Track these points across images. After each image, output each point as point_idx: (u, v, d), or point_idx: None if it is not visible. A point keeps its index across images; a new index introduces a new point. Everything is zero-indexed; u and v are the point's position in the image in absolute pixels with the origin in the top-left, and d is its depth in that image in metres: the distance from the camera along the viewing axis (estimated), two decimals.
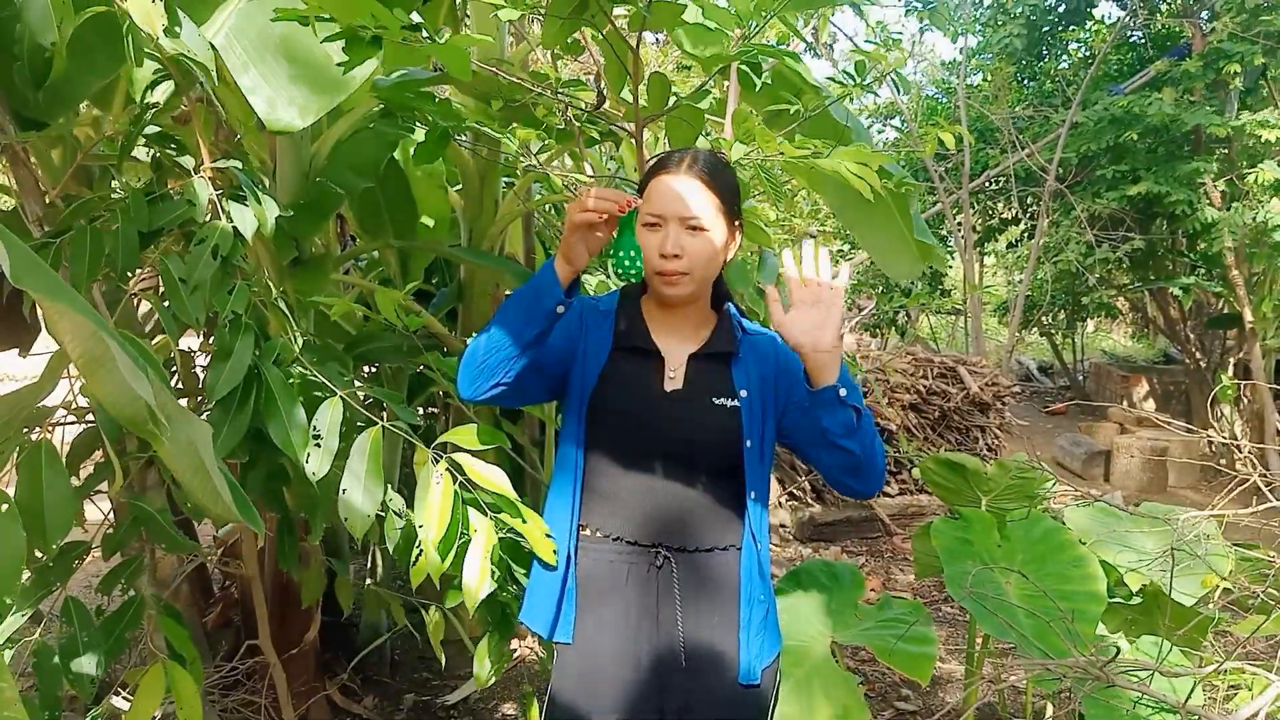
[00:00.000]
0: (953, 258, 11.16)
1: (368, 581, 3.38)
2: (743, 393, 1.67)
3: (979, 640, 2.59)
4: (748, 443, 1.65)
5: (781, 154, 1.89)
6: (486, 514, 1.82)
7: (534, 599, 1.72)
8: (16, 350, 2.84)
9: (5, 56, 1.68)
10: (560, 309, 1.60)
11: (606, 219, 1.56)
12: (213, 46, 1.69)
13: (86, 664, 1.64)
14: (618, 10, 1.98)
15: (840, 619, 2.29)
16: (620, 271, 1.60)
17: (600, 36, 2.10)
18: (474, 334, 3.22)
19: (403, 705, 3.30)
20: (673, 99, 2.18)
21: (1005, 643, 2.20)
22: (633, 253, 1.59)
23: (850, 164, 1.86)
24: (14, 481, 1.51)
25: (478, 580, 1.75)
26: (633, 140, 2.18)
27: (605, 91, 2.28)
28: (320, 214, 2.35)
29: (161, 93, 1.85)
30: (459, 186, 3.38)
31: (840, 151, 1.87)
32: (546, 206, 3.78)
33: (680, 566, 1.66)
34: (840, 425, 1.59)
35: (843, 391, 1.57)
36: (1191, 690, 1.83)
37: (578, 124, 2.43)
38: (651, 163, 1.70)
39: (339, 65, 1.67)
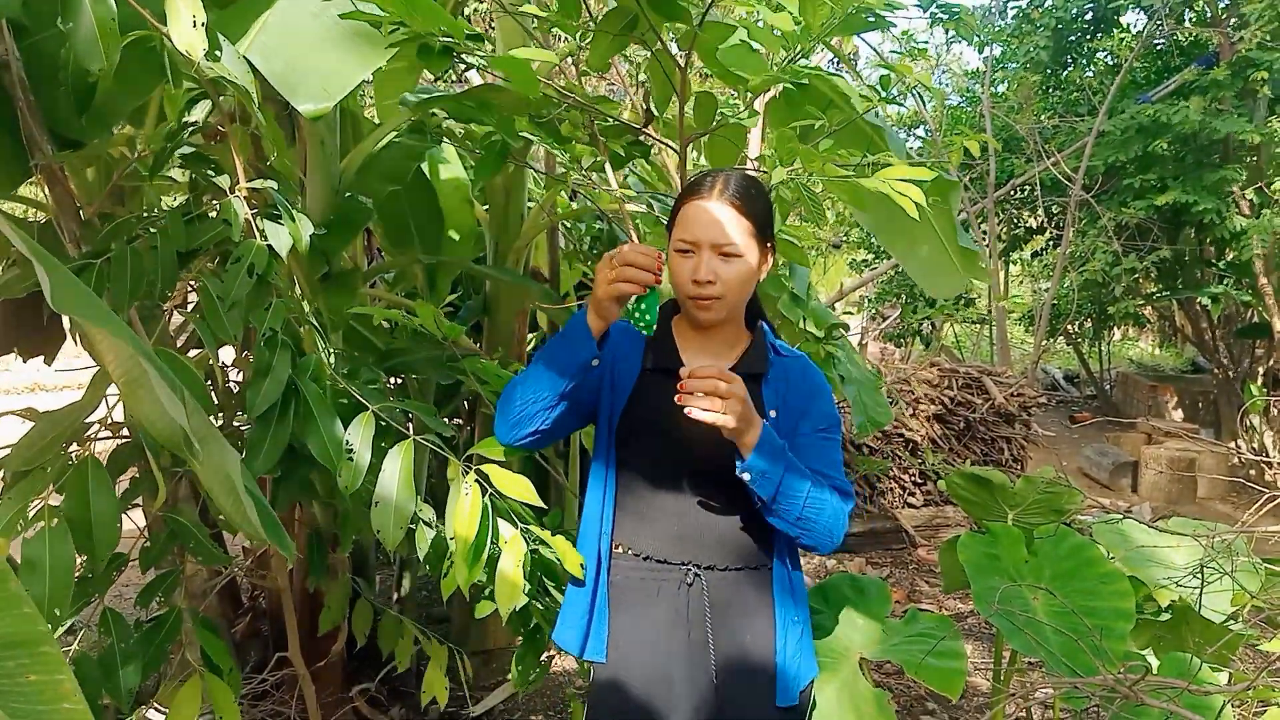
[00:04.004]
0: None
1: (394, 597, 3.40)
2: (772, 413, 1.68)
3: (1006, 655, 2.58)
4: None
5: (823, 173, 1.89)
6: (516, 525, 1.84)
7: (566, 618, 1.74)
8: (42, 358, 2.89)
9: (47, 78, 1.71)
10: (595, 363, 1.62)
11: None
12: (250, 65, 1.72)
13: (126, 674, 1.66)
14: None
15: (868, 634, 2.28)
16: (634, 323, 1.61)
17: (647, 55, 2.11)
18: (498, 346, 3.27)
19: (429, 716, 3.32)
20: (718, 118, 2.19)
21: (1032, 658, 2.19)
22: (644, 305, 1.59)
23: (894, 181, 1.86)
24: (52, 498, 1.54)
25: (512, 584, 1.77)
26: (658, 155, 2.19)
27: (653, 109, 2.30)
28: (350, 228, 2.39)
29: (199, 111, 1.89)
30: (485, 201, 3.42)
31: (884, 171, 1.87)
32: (568, 222, 3.81)
33: (710, 585, 1.66)
34: (757, 500, 1.60)
35: (746, 476, 1.56)
36: (1222, 708, 1.82)
37: (603, 139, 2.44)
38: (683, 187, 1.72)
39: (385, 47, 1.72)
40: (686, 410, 1.49)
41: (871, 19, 1.89)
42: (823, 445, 1.72)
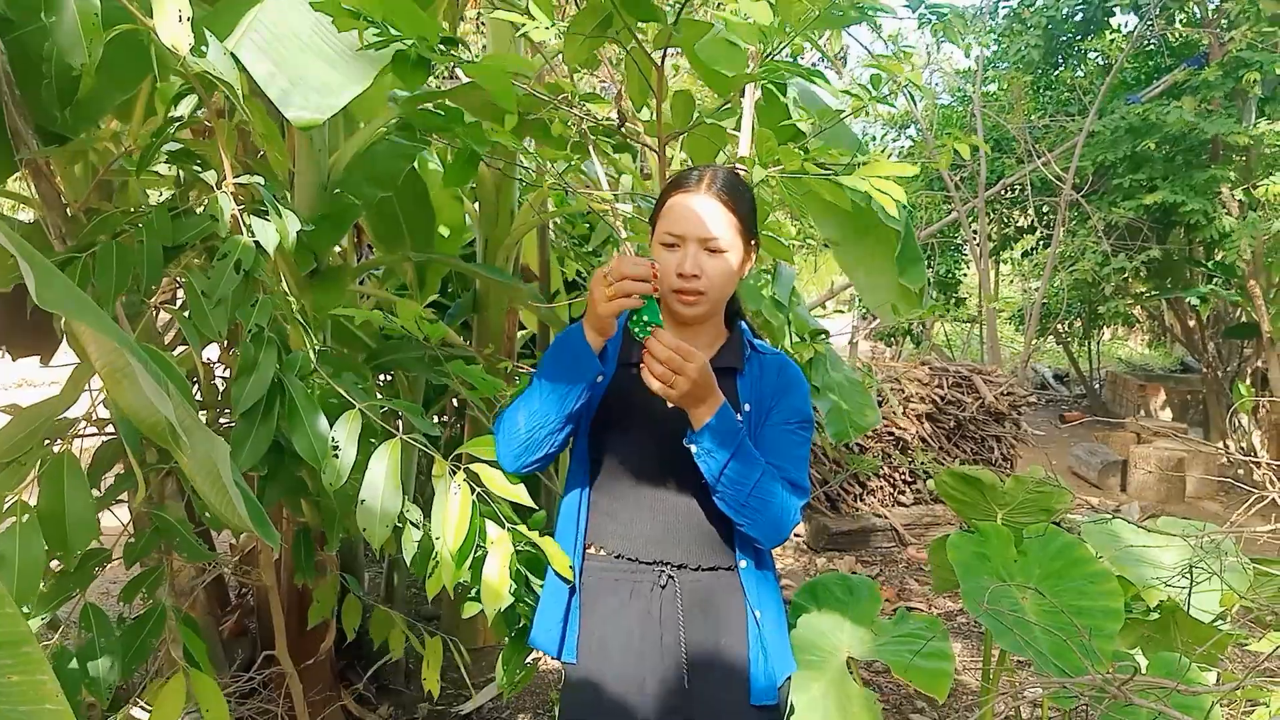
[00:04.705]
0: (968, 266, 11.13)
1: (383, 594, 3.39)
2: (746, 406, 1.68)
3: (995, 654, 2.58)
4: None
5: (803, 172, 1.88)
6: (504, 525, 1.83)
7: (543, 620, 1.73)
8: (37, 358, 2.87)
9: (32, 73, 1.70)
10: (600, 378, 1.60)
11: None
12: (236, 61, 1.71)
13: (105, 670, 1.65)
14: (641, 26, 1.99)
15: (857, 634, 2.28)
16: (638, 335, 1.58)
17: (624, 54, 2.11)
18: (488, 343, 3.25)
19: (418, 714, 3.31)
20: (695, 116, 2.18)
21: (1021, 657, 2.19)
22: (645, 317, 1.54)
23: (875, 180, 1.85)
24: (34, 493, 1.53)
25: (496, 590, 1.76)
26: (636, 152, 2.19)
27: (626, 108, 2.29)
28: (338, 226, 2.37)
29: (185, 106, 1.87)
30: (475, 198, 3.40)
31: (866, 168, 1.87)
32: (557, 219, 3.79)
33: (684, 587, 1.66)
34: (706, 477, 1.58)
35: (692, 448, 1.55)
36: (1211, 707, 1.82)
37: (592, 138, 2.44)
38: (669, 180, 1.70)
39: (362, 50, 1.70)
40: (641, 367, 1.51)
41: (854, 12, 1.88)
42: (786, 438, 1.70)
